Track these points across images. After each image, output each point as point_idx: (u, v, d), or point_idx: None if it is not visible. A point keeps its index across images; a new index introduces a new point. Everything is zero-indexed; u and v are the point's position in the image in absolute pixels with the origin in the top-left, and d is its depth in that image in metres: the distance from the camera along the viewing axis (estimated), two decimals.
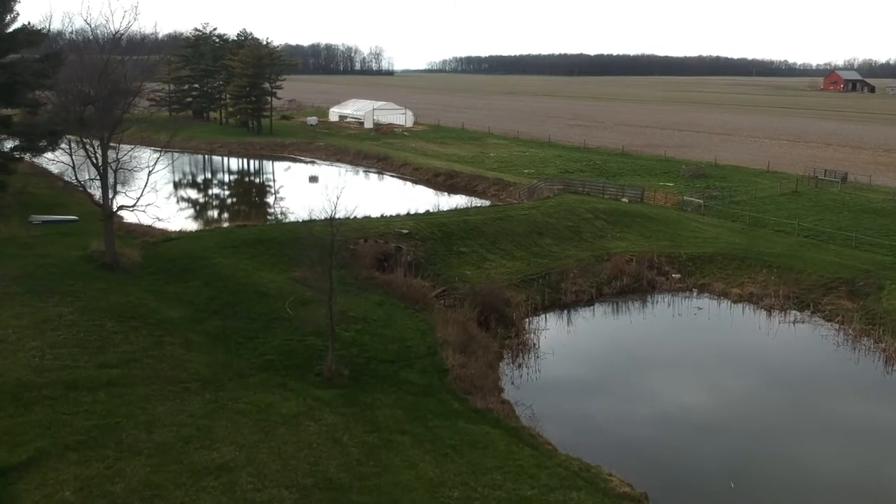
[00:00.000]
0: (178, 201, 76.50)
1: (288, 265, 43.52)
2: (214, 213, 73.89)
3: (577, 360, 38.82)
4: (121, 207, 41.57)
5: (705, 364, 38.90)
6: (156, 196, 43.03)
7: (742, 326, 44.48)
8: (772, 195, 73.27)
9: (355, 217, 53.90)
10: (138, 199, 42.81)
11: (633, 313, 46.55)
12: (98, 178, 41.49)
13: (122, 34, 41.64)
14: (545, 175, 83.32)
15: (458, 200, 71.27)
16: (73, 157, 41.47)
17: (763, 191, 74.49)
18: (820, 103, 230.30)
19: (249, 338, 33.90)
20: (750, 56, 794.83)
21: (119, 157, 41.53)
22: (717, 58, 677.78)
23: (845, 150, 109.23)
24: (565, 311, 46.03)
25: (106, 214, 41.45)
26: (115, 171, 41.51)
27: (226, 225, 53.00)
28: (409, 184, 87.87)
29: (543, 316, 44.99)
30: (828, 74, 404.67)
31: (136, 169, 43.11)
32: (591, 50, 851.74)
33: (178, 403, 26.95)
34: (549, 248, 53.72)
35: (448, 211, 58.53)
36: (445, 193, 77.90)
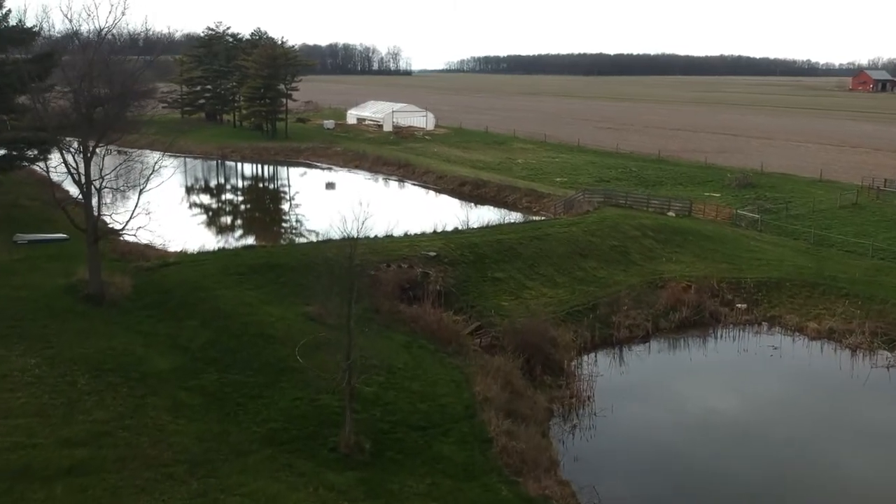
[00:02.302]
0: (182, 213, 70.71)
1: (300, 296, 37.72)
2: (221, 229, 68.17)
3: (641, 417, 32.66)
4: (105, 234, 36.00)
5: (795, 423, 32.70)
6: (148, 219, 37.18)
7: (827, 371, 38.26)
8: (831, 208, 66.81)
9: (376, 237, 48.67)
10: (127, 221, 37.27)
11: (697, 353, 40.42)
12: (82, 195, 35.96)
13: (108, 31, 35.82)
14: (579, 184, 77.31)
15: (488, 213, 65.31)
16: (62, 168, 35.95)
17: (820, 203, 68.00)
18: (853, 104, 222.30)
19: (252, 397, 28.08)
20: (772, 55, 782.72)
21: (105, 169, 35.97)
22: (739, 57, 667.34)
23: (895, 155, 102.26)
24: (618, 350, 40.00)
25: (90, 239, 35.83)
26: (100, 190, 35.89)
27: (232, 245, 47.34)
28: (432, 193, 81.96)
29: (594, 356, 38.97)
30: (853, 74, 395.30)
31: (123, 188, 37.41)
32: (611, 49, 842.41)
33: (157, 498, 21.15)
34: (594, 272, 47.64)
35: (479, 228, 52.54)
36: (472, 205, 71.91)
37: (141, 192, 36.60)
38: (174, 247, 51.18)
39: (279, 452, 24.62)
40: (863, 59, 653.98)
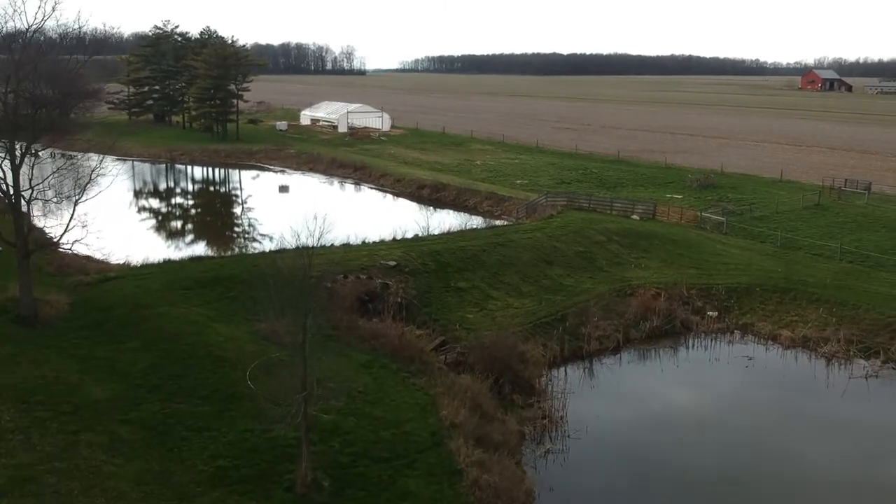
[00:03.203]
0: (127, 221, 67.12)
1: (251, 312, 35.15)
2: (169, 236, 64.97)
3: (616, 439, 30.85)
4: (38, 248, 33.16)
5: (775, 438, 31.15)
6: (85, 231, 34.45)
7: (804, 382, 36.96)
8: (794, 209, 66.06)
9: (332, 245, 46.26)
10: (62, 234, 34.51)
11: (670, 365, 38.79)
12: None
13: (36, 30, 32.92)
14: (540, 186, 75.69)
15: (448, 218, 63.20)
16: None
17: (783, 204, 67.22)
18: (804, 103, 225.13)
19: (198, 429, 25.60)
20: (721, 55, 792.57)
21: (35, 179, 33.13)
22: (690, 56, 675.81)
23: (853, 155, 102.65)
24: (589, 363, 38.22)
25: (20, 255, 32.94)
26: (30, 202, 33.05)
27: (179, 256, 44.48)
28: (390, 197, 79.57)
29: (564, 370, 37.13)
30: (800, 73, 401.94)
31: (56, 200, 34.54)
32: (564, 49, 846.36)
33: None
34: (560, 280, 45.86)
35: (440, 235, 50.42)
36: (432, 209, 69.78)
37: (76, 203, 33.79)
38: (117, 258, 48.24)
39: (228, 495, 22.26)
40: (809, 59, 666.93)
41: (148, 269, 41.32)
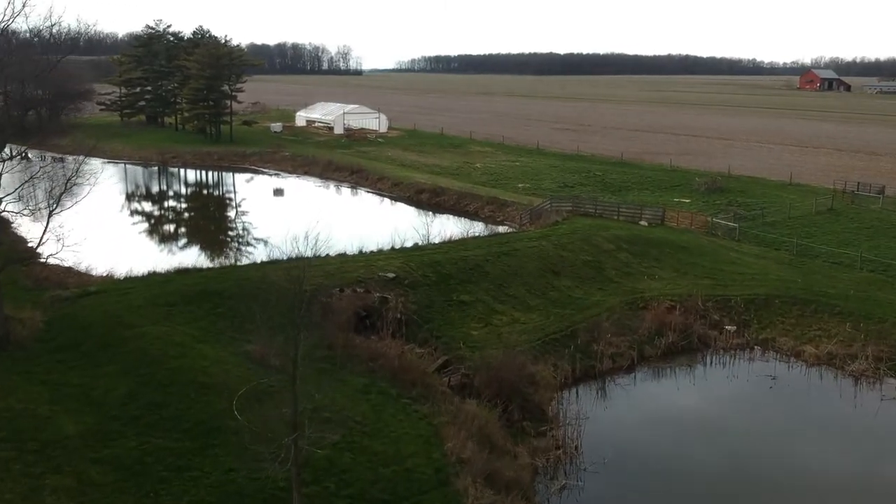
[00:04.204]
0: (114, 228, 64.17)
1: (240, 331, 32.93)
2: (157, 244, 62.23)
3: (637, 470, 28.38)
4: (9, 263, 30.65)
5: (814, 469, 28.75)
6: (60, 245, 31.91)
7: (832, 403, 34.53)
8: (806, 214, 63.72)
9: (328, 256, 43.80)
10: (35, 248, 32.06)
11: (688, 385, 36.35)
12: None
13: (5, 26, 30.47)
14: (543, 190, 73.32)
15: (449, 224, 60.80)
16: None
17: (795, 209, 64.83)
18: (804, 103, 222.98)
19: (177, 469, 23.12)
20: (718, 55, 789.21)
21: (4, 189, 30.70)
22: (687, 56, 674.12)
23: (860, 156, 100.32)
24: (601, 383, 35.76)
25: None
26: None
27: (166, 267, 41.90)
28: (388, 201, 76.98)
29: (575, 391, 34.70)
30: (797, 72, 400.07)
31: (25, 212, 32.07)
32: (561, 49, 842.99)
33: None
34: (568, 292, 43.42)
35: (441, 244, 47.96)
36: (431, 214, 67.26)
37: (51, 213, 31.28)
38: (101, 269, 45.76)
39: None
40: (806, 58, 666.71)
41: (131, 283, 38.79)
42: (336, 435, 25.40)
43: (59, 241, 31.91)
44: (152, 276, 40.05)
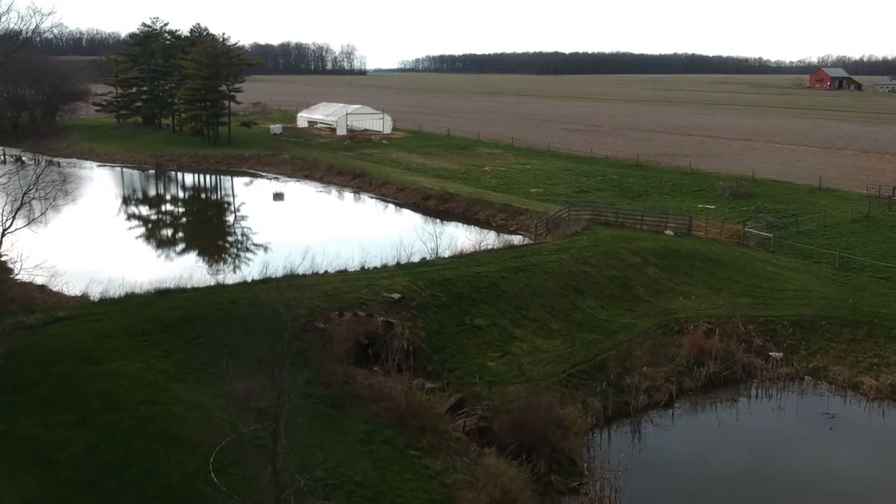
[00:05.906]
0: (98, 238, 59.70)
1: (223, 364, 28.52)
2: (141, 256, 57.40)
3: None
4: None
5: None
6: (18, 266, 27.83)
7: None
8: (842, 222, 59.34)
9: (326, 273, 39.69)
10: None
11: (735, 424, 31.97)
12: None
13: None
14: (557, 195, 68.98)
15: (458, 234, 56.50)
16: None
17: (829, 216, 60.42)
18: (817, 102, 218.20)
19: None
20: (724, 53, 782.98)
21: None
22: (693, 55, 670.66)
23: (889, 158, 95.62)
24: (637, 423, 31.37)
25: None
26: None
27: (143, 290, 37.56)
28: (392, 207, 72.66)
29: (607, 433, 30.37)
30: (805, 71, 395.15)
31: None
32: (566, 48, 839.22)
33: None
34: (593, 313, 39.07)
35: (451, 259, 43.62)
36: (439, 222, 62.96)
37: (4, 233, 27.12)
38: (79, 284, 41.55)
39: None
40: (813, 57, 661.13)
41: (104, 307, 34.34)
42: (331, 497, 21.46)
43: (15, 263, 27.83)
44: (129, 298, 35.61)
